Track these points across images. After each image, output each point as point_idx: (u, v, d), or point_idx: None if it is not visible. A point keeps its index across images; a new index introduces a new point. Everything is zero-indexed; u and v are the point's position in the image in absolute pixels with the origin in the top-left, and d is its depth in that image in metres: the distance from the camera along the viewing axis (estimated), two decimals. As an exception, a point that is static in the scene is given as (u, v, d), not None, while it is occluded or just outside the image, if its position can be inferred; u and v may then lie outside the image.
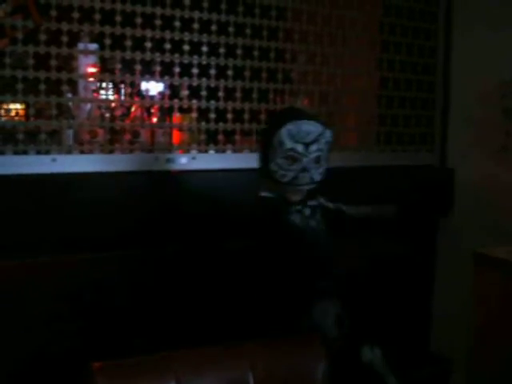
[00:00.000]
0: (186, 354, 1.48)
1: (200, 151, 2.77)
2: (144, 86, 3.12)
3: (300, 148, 2.12)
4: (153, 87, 3.07)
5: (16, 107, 2.84)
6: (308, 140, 2.12)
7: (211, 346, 1.53)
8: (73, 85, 2.63)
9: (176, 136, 2.99)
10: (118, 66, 2.56)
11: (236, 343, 1.55)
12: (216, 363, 1.50)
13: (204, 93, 2.73)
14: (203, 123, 2.75)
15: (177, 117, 2.83)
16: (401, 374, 2.24)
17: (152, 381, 1.40)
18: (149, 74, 2.66)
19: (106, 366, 1.39)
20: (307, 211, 2.27)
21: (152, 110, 2.73)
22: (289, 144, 2.12)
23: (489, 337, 2.38)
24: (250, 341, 1.55)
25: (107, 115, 2.78)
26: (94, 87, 2.81)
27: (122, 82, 2.63)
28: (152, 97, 2.91)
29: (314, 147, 2.14)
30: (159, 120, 2.78)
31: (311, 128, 2.14)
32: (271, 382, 1.51)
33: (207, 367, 1.48)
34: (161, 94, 2.85)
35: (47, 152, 2.47)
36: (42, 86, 2.42)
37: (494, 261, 2.40)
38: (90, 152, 2.57)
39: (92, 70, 2.85)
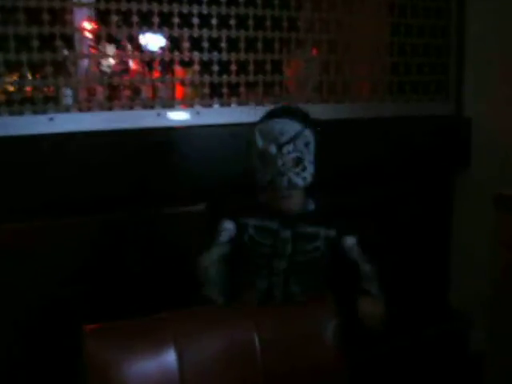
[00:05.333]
0: (185, 315, 1.38)
1: (204, 106, 2.65)
2: (144, 41, 2.97)
3: (273, 149, 1.91)
4: (153, 42, 2.93)
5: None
6: (281, 141, 1.91)
7: (211, 306, 1.42)
8: (68, 41, 2.52)
9: (179, 91, 2.87)
10: (115, 18, 2.43)
11: (239, 303, 1.44)
12: (217, 323, 1.40)
13: (206, 44, 2.60)
14: (206, 76, 2.63)
15: (179, 71, 2.71)
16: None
17: (148, 343, 1.30)
18: (147, 26, 2.53)
19: (98, 329, 1.30)
20: (285, 233, 1.99)
21: (153, 66, 2.61)
22: (260, 144, 1.95)
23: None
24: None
25: (106, 71, 2.66)
26: (90, 42, 2.68)
27: (120, 35, 2.49)
28: (152, 52, 2.78)
29: (288, 148, 1.91)
30: (161, 75, 2.65)
31: (285, 127, 1.92)
32: (278, 342, 1.40)
33: (207, 328, 1.38)
34: (162, 48, 2.71)
35: (44, 111, 2.37)
36: (36, 43, 2.31)
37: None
38: (89, 110, 2.46)
39: (88, 24, 2.72)
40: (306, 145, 1.95)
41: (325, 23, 2.88)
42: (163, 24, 2.54)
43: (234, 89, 2.70)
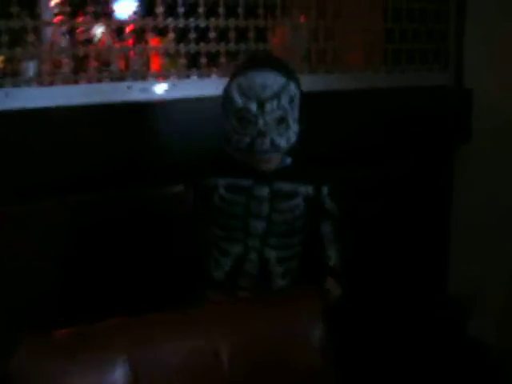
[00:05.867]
0: (139, 321, 1.15)
1: (180, 77, 2.41)
2: (115, 8, 2.72)
3: (253, 107, 1.68)
4: (124, 8, 2.68)
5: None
6: (263, 96, 1.68)
7: (169, 311, 1.19)
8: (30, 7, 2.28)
9: (155, 63, 2.63)
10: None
11: (203, 306, 1.22)
12: (177, 331, 1.17)
13: (182, 9, 2.36)
14: (182, 45, 2.39)
15: (153, 40, 2.47)
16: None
17: (95, 355, 1.08)
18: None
19: (33, 338, 1.08)
20: (261, 191, 1.80)
21: (123, 34, 2.37)
22: (239, 102, 1.70)
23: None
24: (222, 301, 1.21)
25: (70, 41, 2.42)
26: (55, 10, 2.43)
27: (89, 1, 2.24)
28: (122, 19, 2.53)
29: (272, 105, 1.69)
30: (132, 44, 2.42)
31: (268, 81, 1.69)
32: (250, 352, 1.18)
33: (165, 336, 1.14)
34: (135, 13, 2.46)
35: (-1, 85, 2.13)
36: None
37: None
38: (51, 84, 2.22)
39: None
40: (291, 100, 1.73)
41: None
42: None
43: (213, 59, 2.46)
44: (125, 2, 2.61)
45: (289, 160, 1.87)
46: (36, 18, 2.28)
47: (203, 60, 2.43)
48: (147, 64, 2.51)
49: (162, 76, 2.42)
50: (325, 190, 1.87)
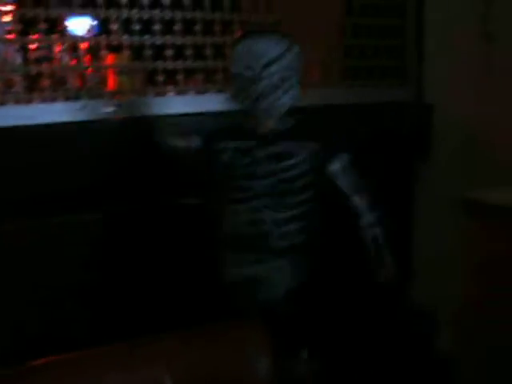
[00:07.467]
0: (73, 357, 1.10)
1: (136, 95, 2.37)
2: (71, 25, 2.67)
3: (249, 72, 1.78)
4: (81, 26, 2.63)
5: None
6: (262, 62, 1.78)
7: (110, 346, 1.14)
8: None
9: (111, 82, 2.58)
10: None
11: (147, 338, 1.16)
12: (115, 368, 1.12)
13: (137, 27, 2.32)
14: (137, 63, 2.35)
15: (110, 58, 2.43)
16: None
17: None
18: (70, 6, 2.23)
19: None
20: (260, 152, 1.87)
21: (80, 54, 2.32)
22: (237, 68, 1.82)
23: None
24: (166, 334, 1.17)
25: (23, 59, 2.36)
26: (8, 27, 2.37)
27: (41, 18, 2.18)
28: (76, 36, 2.48)
29: (271, 69, 1.78)
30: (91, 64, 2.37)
31: (266, 47, 1.79)
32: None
33: (104, 371, 1.09)
34: (90, 32, 2.42)
35: None
36: None
37: (485, 208, 2.05)
38: (1, 103, 2.16)
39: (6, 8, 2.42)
40: (291, 63, 1.84)
41: (269, 1, 2.61)
42: (88, 4, 2.26)
43: (170, 76, 2.43)
44: (79, 19, 2.54)
45: (290, 123, 1.93)
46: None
47: (160, 78, 2.39)
48: (103, 82, 2.46)
49: (119, 94, 2.37)
50: (337, 164, 1.95)
